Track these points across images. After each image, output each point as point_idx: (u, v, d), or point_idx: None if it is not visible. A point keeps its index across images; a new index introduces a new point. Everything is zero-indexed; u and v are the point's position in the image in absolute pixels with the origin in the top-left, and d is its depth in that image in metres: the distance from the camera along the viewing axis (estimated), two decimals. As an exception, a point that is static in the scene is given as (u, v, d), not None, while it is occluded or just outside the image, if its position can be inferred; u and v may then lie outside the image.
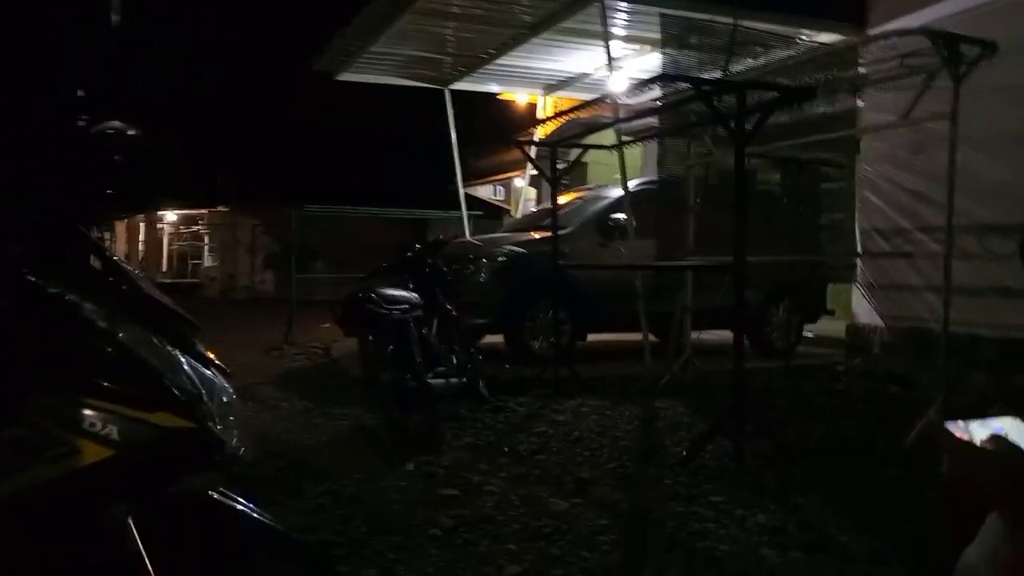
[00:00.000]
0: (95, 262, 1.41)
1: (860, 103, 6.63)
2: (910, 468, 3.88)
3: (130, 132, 1.46)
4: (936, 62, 4.76)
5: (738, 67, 6.70)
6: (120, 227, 20.68)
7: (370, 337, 5.15)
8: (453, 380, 5.10)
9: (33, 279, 1.29)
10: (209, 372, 1.48)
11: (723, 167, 6.77)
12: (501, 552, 3.02)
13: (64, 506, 1.26)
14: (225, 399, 1.47)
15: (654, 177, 7.79)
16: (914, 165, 6.68)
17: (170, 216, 21.99)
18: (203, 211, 21.25)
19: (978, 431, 1.18)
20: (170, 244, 22.75)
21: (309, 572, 1.68)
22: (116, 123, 1.44)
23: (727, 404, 4.40)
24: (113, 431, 1.28)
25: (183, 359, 1.43)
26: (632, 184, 7.53)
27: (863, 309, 7.36)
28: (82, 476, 1.25)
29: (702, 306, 6.62)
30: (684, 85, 4.87)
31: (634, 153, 8.30)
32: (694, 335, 6.64)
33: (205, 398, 1.40)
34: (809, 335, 8.61)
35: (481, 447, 4.60)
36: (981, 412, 1.23)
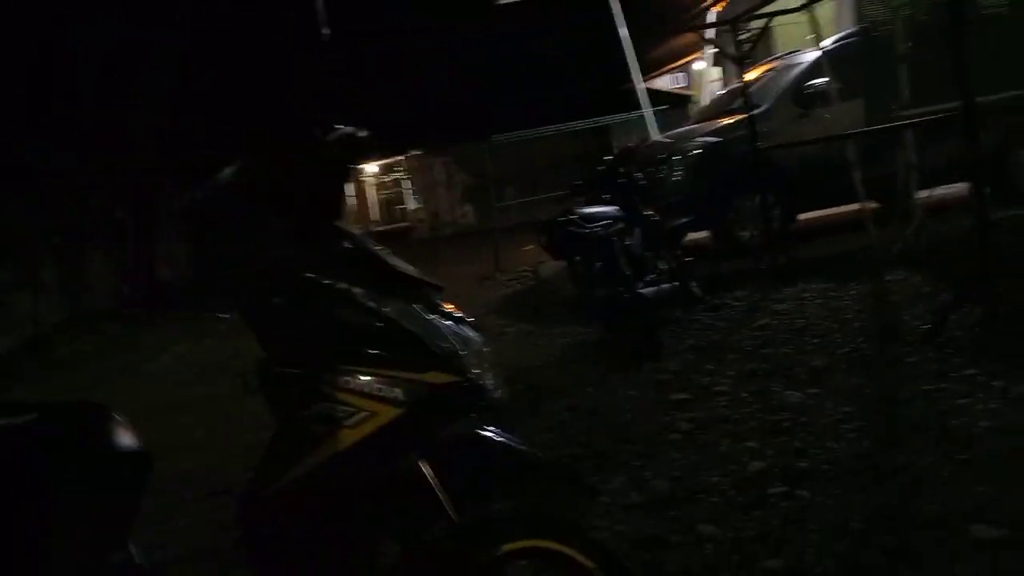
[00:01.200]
0: (351, 249, 1.61)
1: None
2: None
3: (361, 135, 1.62)
4: None
5: None
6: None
7: (577, 257, 5.27)
8: (665, 286, 5.12)
9: (310, 275, 1.51)
10: (459, 327, 1.65)
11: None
12: (742, 450, 3.07)
13: (370, 460, 1.50)
14: (478, 349, 1.64)
15: (852, 29, 7.05)
16: None
17: (370, 168, 23.48)
18: (399, 158, 22.46)
19: None
20: (376, 194, 24.36)
21: (564, 486, 1.86)
22: (348, 129, 1.62)
23: (972, 266, 4.02)
24: (399, 393, 1.51)
25: (438, 320, 1.62)
26: (827, 43, 6.88)
27: None
28: (381, 433, 1.49)
29: (928, 162, 6.01)
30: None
31: (825, 8, 7.54)
32: (924, 194, 6.05)
33: (462, 352, 1.58)
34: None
35: (705, 348, 4.62)
36: None
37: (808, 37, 7.19)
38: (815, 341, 4.29)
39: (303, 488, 1.50)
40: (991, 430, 2.82)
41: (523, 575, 1.76)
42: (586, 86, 18.16)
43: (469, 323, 1.70)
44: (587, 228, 5.03)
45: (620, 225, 5.16)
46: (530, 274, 9.08)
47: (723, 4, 7.84)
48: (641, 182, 5.71)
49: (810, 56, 7.21)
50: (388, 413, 1.49)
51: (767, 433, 3.19)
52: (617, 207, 5.32)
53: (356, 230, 1.68)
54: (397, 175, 23.42)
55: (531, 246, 8.85)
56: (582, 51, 19.61)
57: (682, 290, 5.40)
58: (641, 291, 4.92)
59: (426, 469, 1.54)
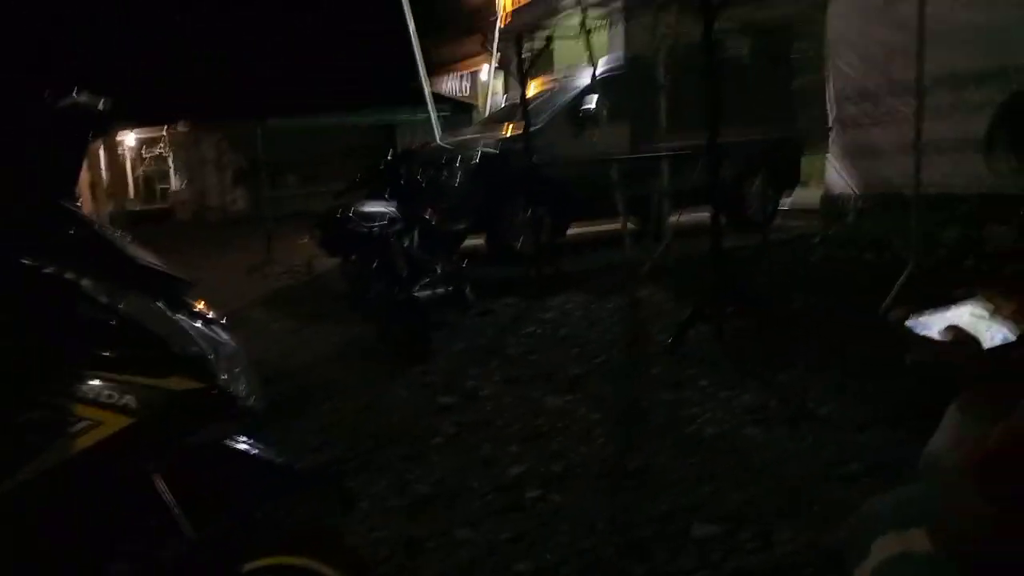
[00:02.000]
0: (80, 234, 1.43)
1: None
2: (888, 334, 4.04)
3: (99, 105, 1.44)
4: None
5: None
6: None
7: (352, 256, 5.17)
8: (439, 289, 5.18)
9: (28, 261, 1.31)
10: (209, 328, 1.53)
11: (691, 40, 6.64)
12: (504, 454, 3.19)
13: (95, 474, 1.33)
14: (230, 352, 1.52)
15: (622, 58, 7.63)
16: (885, 16, 6.54)
17: (130, 140, 21.33)
18: (162, 130, 20.61)
19: (938, 322, 1.25)
20: (134, 169, 22.17)
21: (320, 499, 1.80)
22: (83, 98, 1.42)
23: (707, 286, 4.52)
24: (131, 400, 1.34)
25: (184, 320, 1.48)
26: (600, 68, 7.38)
27: (836, 177, 7.42)
28: (107, 445, 1.32)
29: (680, 187, 6.67)
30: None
31: (601, 32, 8.09)
32: (674, 217, 6.70)
33: (211, 355, 1.46)
34: (785, 207, 8.70)
35: (473, 352, 4.74)
36: (954, 273, 1.28)
37: (582, 59, 7.67)
38: (575, 350, 4.57)
39: (13, 505, 1.31)
40: (715, 436, 3.18)
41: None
42: (372, 78, 17.90)
43: (221, 324, 1.58)
44: (364, 226, 4.96)
45: (398, 225, 5.14)
46: (303, 269, 8.75)
47: (508, 20, 8.14)
48: (421, 184, 5.73)
49: (585, 79, 7.69)
50: (116, 422, 1.33)
51: (527, 438, 3.35)
52: (395, 207, 5.30)
53: (89, 214, 1.49)
54: (161, 150, 21.48)
55: (306, 238, 8.55)
56: (370, 40, 19.30)
57: (455, 294, 5.50)
58: (415, 293, 4.94)
59: (160, 484, 1.40)
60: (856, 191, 6.97)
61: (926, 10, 4.59)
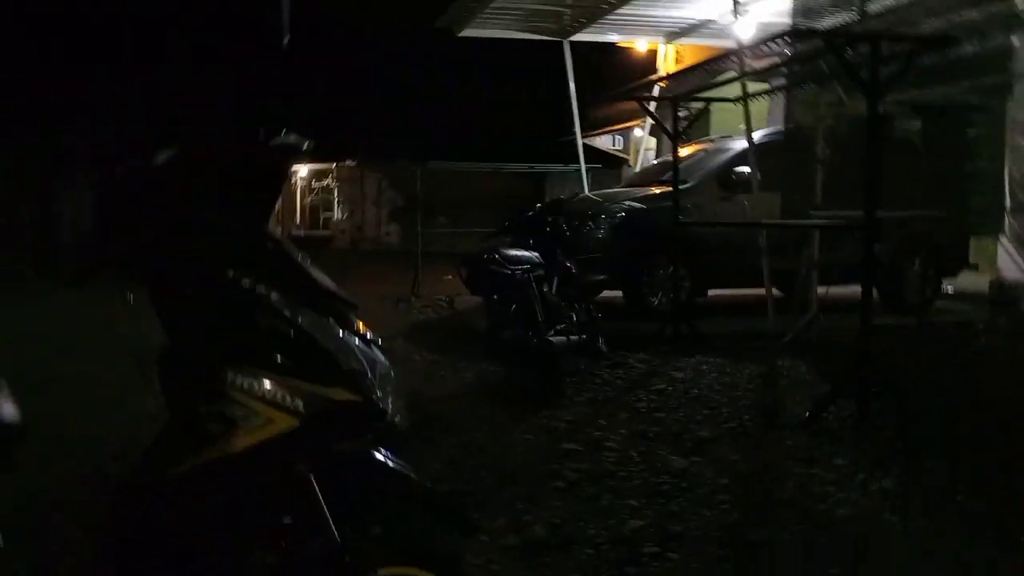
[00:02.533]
0: (274, 253, 1.64)
1: (1016, 41, 6.13)
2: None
3: (301, 143, 1.66)
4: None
5: (876, 5, 6.32)
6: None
7: (494, 296, 5.37)
8: (573, 337, 5.27)
9: (230, 274, 1.53)
10: (370, 349, 1.69)
11: (855, 115, 6.48)
12: (623, 506, 3.19)
13: (261, 467, 1.51)
14: (384, 372, 1.68)
15: (780, 127, 7.53)
16: (1071, 108, 6.15)
17: (302, 171, 23.13)
18: (332, 165, 22.22)
19: None
20: (303, 198, 23.96)
21: (445, 519, 1.91)
22: (292, 137, 1.64)
23: (852, 363, 4.34)
24: (299, 403, 1.52)
25: (350, 339, 1.65)
26: (757, 136, 7.32)
27: (1009, 263, 6.91)
28: (276, 442, 1.50)
29: (830, 260, 6.45)
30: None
31: (761, 103, 8.04)
32: (821, 291, 6.47)
33: (369, 373, 1.62)
34: (949, 291, 8.17)
35: (601, 403, 4.76)
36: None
37: (740, 127, 7.63)
38: (705, 412, 4.50)
39: (189, 484, 1.50)
40: (846, 518, 3.04)
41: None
42: (530, 131, 18.55)
43: (379, 346, 1.74)
44: (508, 269, 5.15)
45: (540, 272, 5.29)
46: (445, 304, 9.11)
47: (666, 83, 8.28)
48: (566, 233, 5.89)
49: (739, 144, 7.64)
50: (286, 422, 1.50)
51: (649, 494, 3.33)
52: (539, 254, 5.47)
53: (281, 236, 1.70)
54: (327, 183, 23.15)
55: (451, 276, 8.92)
56: (531, 96, 20.06)
57: (589, 344, 5.57)
58: (550, 338, 5.05)
59: (314, 484, 1.55)
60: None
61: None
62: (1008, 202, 6.62)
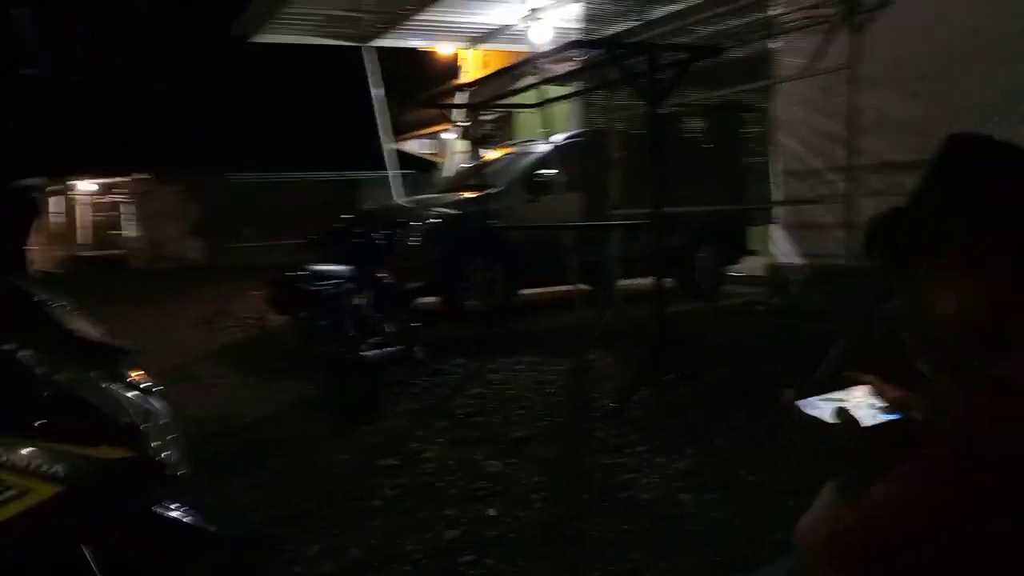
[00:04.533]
0: (21, 307, 1.48)
1: (774, 46, 6.83)
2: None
3: (44, 188, 1.50)
4: (838, 13, 5.00)
5: (657, 12, 6.77)
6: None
7: (303, 314, 5.21)
8: (389, 348, 5.23)
9: None
10: (142, 398, 1.57)
11: (644, 115, 6.94)
12: (440, 518, 3.20)
13: (22, 542, 1.35)
14: (161, 421, 1.57)
15: (579, 130, 7.92)
16: (826, 106, 6.95)
17: (86, 186, 21.13)
18: (122, 179, 20.49)
19: (829, 403, 1.35)
20: (91, 214, 21.89)
21: (254, 559, 1.82)
22: (32, 180, 1.49)
23: (649, 352, 4.65)
24: (59, 468, 1.37)
25: (118, 390, 1.52)
26: (559, 138, 7.63)
27: (781, 248, 7.70)
28: (35, 514, 1.35)
29: (630, 254, 6.86)
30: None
31: (562, 105, 8.39)
32: (624, 283, 6.87)
33: (142, 425, 1.50)
34: (736, 274, 8.97)
35: (419, 413, 4.75)
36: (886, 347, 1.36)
37: (542, 129, 7.93)
38: (520, 412, 4.62)
39: None
40: (651, 501, 3.25)
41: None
42: (341, 138, 18.14)
43: (156, 392, 1.63)
44: (316, 286, 5.01)
45: (351, 285, 5.20)
46: (255, 323, 8.70)
47: (473, 88, 8.43)
48: (378, 242, 5.82)
49: (542, 148, 7.93)
50: (44, 491, 1.36)
51: (465, 500, 3.36)
52: (350, 266, 5.37)
53: (33, 284, 1.54)
54: (118, 198, 21.28)
55: (259, 292, 8.53)
56: (336, 101, 19.62)
57: (406, 354, 5.54)
58: (365, 353, 4.97)
59: (88, 553, 1.42)
60: (799, 262, 7.25)
61: (859, 103, 4.90)
62: (775, 193, 7.37)
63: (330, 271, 5.15)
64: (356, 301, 5.22)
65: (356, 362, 4.85)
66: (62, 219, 19.65)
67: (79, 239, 20.70)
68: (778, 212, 7.45)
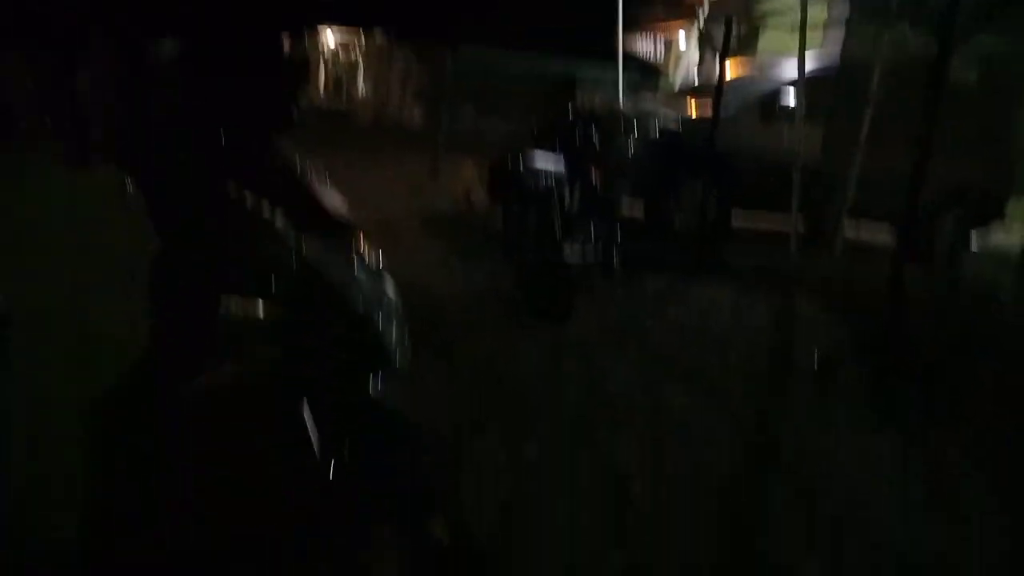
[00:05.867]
0: (278, 167, 1.48)
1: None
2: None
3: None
4: None
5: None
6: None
7: (514, 202, 5.21)
8: (590, 254, 5.15)
9: (231, 190, 1.38)
10: (378, 282, 1.57)
11: (918, 56, 6.09)
12: (617, 441, 3.13)
13: (253, 397, 1.41)
14: (391, 309, 1.56)
15: (835, 60, 7.14)
16: None
17: (328, 39, 22.31)
18: (358, 36, 21.41)
19: None
20: (326, 67, 23.21)
21: (438, 460, 1.82)
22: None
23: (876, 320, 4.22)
24: (292, 338, 1.40)
25: (356, 271, 1.52)
26: (809, 65, 6.91)
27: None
28: (267, 376, 1.39)
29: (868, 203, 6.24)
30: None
31: (817, 30, 7.57)
32: (851, 231, 6.27)
33: (374, 310, 1.50)
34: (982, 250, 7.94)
35: (610, 326, 4.67)
36: None
37: (790, 45, 7.21)
38: (715, 347, 4.41)
39: (202, 404, 1.40)
40: (835, 488, 2.99)
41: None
42: (570, 27, 17.62)
43: (387, 277, 1.61)
44: (530, 178, 4.96)
45: (563, 182, 5.11)
46: (464, 199, 8.90)
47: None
48: (597, 145, 5.64)
49: (787, 72, 7.24)
50: (277, 355, 1.40)
51: (647, 432, 3.27)
52: (565, 163, 5.26)
53: (287, 150, 1.52)
54: (351, 56, 22.34)
55: (475, 170, 8.66)
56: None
57: (606, 261, 5.44)
58: (565, 253, 4.93)
59: (309, 419, 1.45)
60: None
61: None
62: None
63: (545, 164, 5.06)
64: (566, 200, 5.13)
65: (555, 260, 4.81)
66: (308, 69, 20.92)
67: (319, 90, 22.06)
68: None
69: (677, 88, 10.49)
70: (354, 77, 22.19)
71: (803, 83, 6.47)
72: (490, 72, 15.37)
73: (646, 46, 16.92)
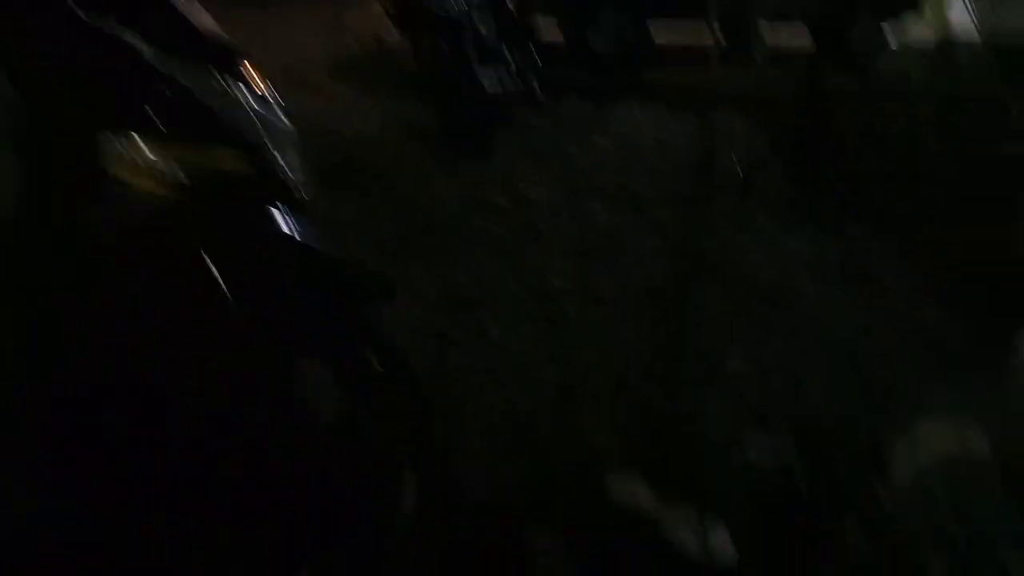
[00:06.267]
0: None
1: None
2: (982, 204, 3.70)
3: None
4: None
5: None
6: None
7: (425, 34, 4.89)
8: (508, 82, 4.93)
9: (88, 17, 1.20)
10: (266, 108, 1.44)
11: None
12: (547, 265, 3.15)
13: (145, 244, 1.30)
14: (283, 135, 1.44)
15: None
16: None
17: None
18: None
19: None
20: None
21: (360, 287, 1.77)
22: None
23: (795, 125, 4.22)
24: (180, 173, 1.28)
25: (239, 96, 1.38)
26: None
27: (958, 19, 6.62)
28: (157, 216, 1.28)
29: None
30: None
31: None
32: (769, 38, 6.12)
33: (264, 137, 1.37)
34: (897, 47, 7.89)
35: (533, 155, 4.57)
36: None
37: None
38: (639, 167, 4.37)
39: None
40: (767, 282, 3.08)
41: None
42: None
43: (277, 103, 1.48)
44: (441, 7, 4.64)
45: (477, 9, 4.80)
46: (372, 39, 8.38)
47: None
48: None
49: None
50: (162, 194, 1.28)
51: (576, 254, 3.28)
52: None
53: None
54: None
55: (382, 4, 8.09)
56: None
57: (525, 90, 5.24)
58: (483, 82, 4.71)
59: (207, 260, 1.35)
60: (979, 39, 6.27)
61: None
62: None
63: (456, -10, 4.72)
64: (480, 28, 4.84)
65: (473, 91, 4.61)
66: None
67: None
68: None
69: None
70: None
71: None
72: None
73: None
